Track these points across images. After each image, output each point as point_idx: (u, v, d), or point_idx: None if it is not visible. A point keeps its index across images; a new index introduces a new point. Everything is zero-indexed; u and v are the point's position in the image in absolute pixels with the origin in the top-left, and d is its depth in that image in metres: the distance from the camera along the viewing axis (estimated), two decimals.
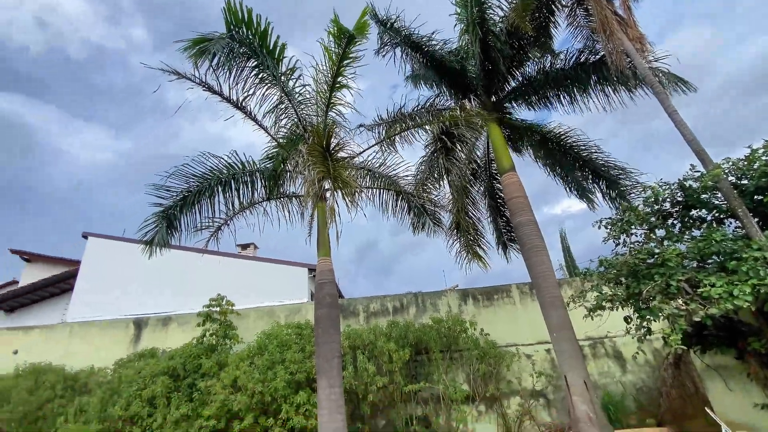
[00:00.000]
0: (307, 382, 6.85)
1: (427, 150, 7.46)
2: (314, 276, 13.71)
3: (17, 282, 17.19)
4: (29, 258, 14.71)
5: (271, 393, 6.45)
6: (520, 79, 7.71)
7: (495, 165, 7.72)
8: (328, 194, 6.44)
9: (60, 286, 13.13)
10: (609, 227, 5.98)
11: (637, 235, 5.82)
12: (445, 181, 7.44)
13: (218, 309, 8.95)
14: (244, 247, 14.54)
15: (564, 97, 7.55)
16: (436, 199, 7.43)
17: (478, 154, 7.92)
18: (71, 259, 13.90)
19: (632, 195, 7.53)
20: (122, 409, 7.14)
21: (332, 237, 5.91)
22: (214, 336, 8.56)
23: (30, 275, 14.17)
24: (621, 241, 5.83)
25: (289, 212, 7.45)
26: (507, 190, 6.64)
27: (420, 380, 7.81)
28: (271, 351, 7.21)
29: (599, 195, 8.02)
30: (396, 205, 8.19)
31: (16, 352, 10.16)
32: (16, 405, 7.62)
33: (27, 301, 13.61)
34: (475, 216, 7.59)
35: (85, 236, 12.91)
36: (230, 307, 9.13)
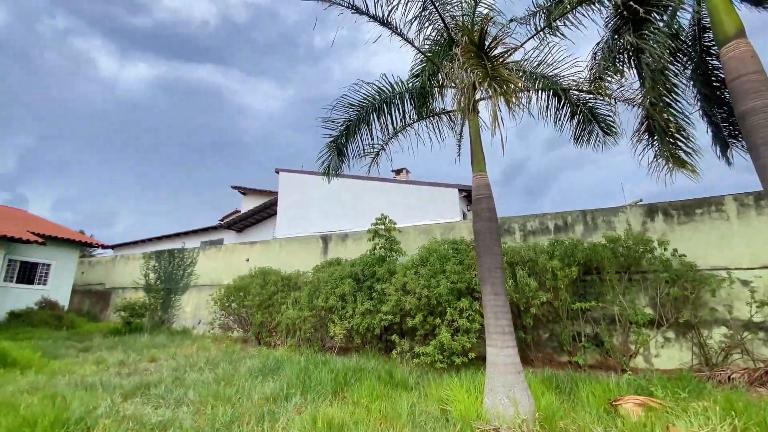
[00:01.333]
0: (467, 291, 7.23)
1: (606, 31, 5.94)
2: (465, 196, 13.81)
3: (239, 210, 22.88)
4: (245, 192, 19.25)
5: (436, 297, 7.08)
6: None
7: (710, 34, 5.69)
8: (480, 106, 6.03)
9: (268, 212, 16.95)
10: None
11: None
12: (632, 70, 5.89)
13: (383, 227, 10.02)
14: (398, 172, 15.50)
15: None
16: (617, 93, 6.02)
17: (683, 23, 5.88)
18: (272, 190, 17.56)
19: None
20: (323, 301, 9.06)
21: (493, 150, 5.63)
22: (382, 249, 9.73)
23: (247, 204, 18.63)
24: None
25: (439, 130, 7.37)
26: (730, 65, 4.86)
27: (589, 300, 7.27)
28: (432, 263, 7.77)
29: None
30: (558, 112, 7.11)
31: (248, 260, 13.83)
32: (254, 296, 10.52)
33: (248, 224, 18.17)
34: (676, 110, 5.85)
35: (277, 171, 15.98)
36: (393, 225, 10.09)
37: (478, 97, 5.89)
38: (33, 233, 13.92)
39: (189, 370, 6.95)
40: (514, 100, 4.54)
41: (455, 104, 5.70)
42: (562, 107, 6.98)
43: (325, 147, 7.15)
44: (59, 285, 15.57)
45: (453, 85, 5.85)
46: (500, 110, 4.05)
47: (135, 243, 23.77)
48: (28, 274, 14.94)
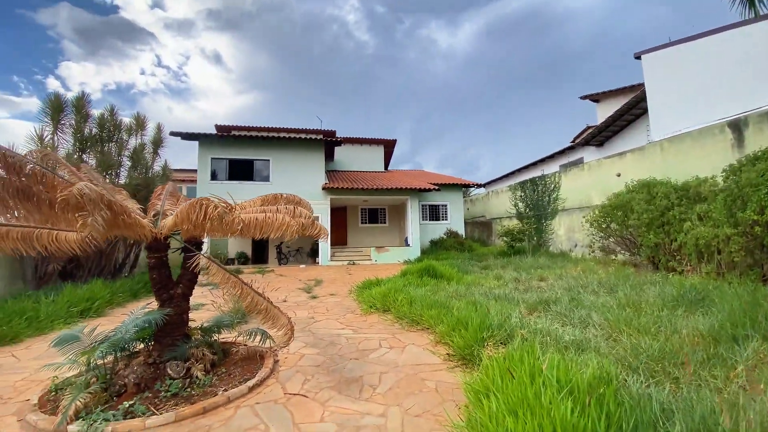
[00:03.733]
0: None
1: None
2: None
3: (590, 126, 20.19)
4: (597, 98, 16.48)
5: None
6: None
7: None
8: None
9: (632, 113, 13.62)
10: None
11: None
12: None
13: None
14: None
15: None
16: None
17: None
18: (631, 85, 13.98)
19: None
20: (755, 213, 6.09)
21: None
22: None
23: (603, 112, 15.89)
24: None
25: None
26: None
27: None
28: None
29: None
30: None
31: (618, 175, 11.76)
32: (639, 214, 8.65)
33: (609, 134, 15.43)
34: None
35: (637, 57, 12.31)
36: None
37: None
38: (431, 183, 18.42)
39: (582, 291, 6.58)
40: None
41: None
42: None
43: None
44: (455, 219, 20.12)
45: None
46: None
47: (499, 179, 26.69)
48: (434, 213, 20.19)
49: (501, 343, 4.07)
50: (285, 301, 7.65)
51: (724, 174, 7.58)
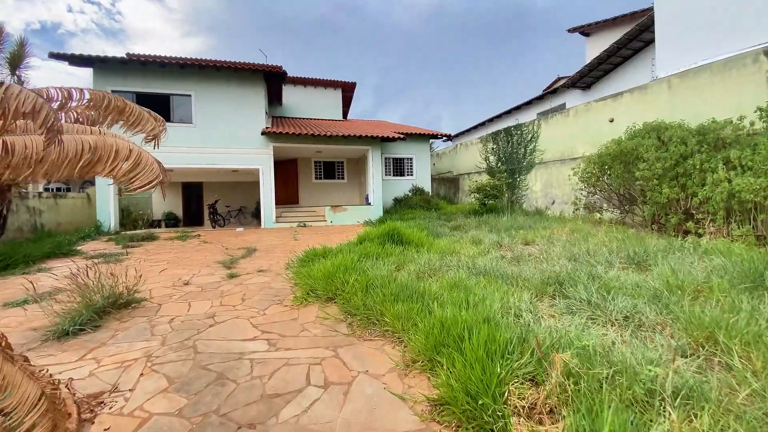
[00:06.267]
0: None
1: None
2: None
3: (562, 78, 18.40)
4: (587, 32, 14.42)
5: None
6: None
7: None
8: None
9: (631, 47, 11.77)
10: None
11: None
12: None
13: None
14: None
15: None
16: None
17: None
18: (632, 12, 12.04)
19: None
20: None
21: None
22: None
23: (593, 49, 13.92)
24: None
25: None
26: None
27: None
28: None
29: None
30: None
31: (611, 120, 10.13)
32: (651, 163, 7.05)
33: (599, 74, 13.48)
34: None
35: None
36: None
37: None
38: (396, 132, 16.13)
39: (594, 263, 4.91)
40: None
41: None
42: None
43: None
44: (421, 174, 18.15)
45: None
46: None
47: (468, 130, 24.74)
48: (398, 168, 18.07)
49: (528, 379, 2.21)
50: (188, 283, 5.34)
51: (758, 113, 6.06)
